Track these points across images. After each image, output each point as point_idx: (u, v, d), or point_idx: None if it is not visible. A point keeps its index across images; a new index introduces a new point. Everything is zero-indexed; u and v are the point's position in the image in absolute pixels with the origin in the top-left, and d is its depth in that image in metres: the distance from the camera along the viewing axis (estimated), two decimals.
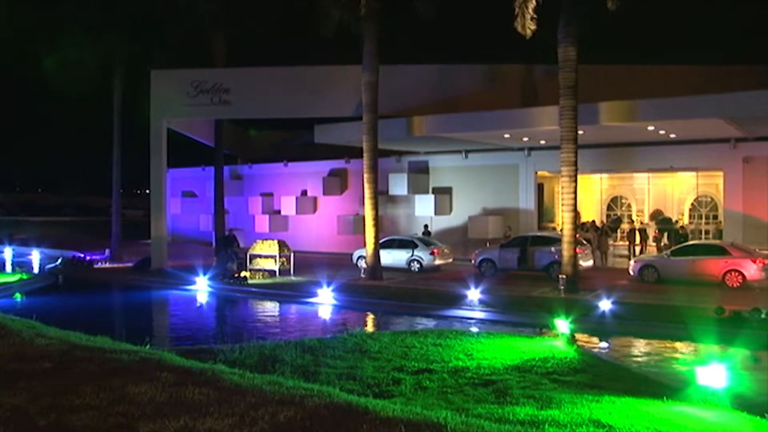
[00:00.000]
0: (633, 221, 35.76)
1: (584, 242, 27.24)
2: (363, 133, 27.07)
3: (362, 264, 28.03)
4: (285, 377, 9.87)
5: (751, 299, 20.05)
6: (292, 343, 14.12)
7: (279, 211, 40.83)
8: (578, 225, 27.50)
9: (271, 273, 28.35)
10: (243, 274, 27.76)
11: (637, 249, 31.88)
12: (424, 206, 35.64)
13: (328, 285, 23.07)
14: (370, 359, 12.57)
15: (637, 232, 32.34)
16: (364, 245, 27.64)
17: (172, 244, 35.13)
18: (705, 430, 8.66)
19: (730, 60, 30.30)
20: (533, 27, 21.46)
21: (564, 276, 22.67)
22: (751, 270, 23.19)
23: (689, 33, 35.31)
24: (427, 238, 31.31)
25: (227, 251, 28.76)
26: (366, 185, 27.17)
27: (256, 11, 32.75)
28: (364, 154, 27.14)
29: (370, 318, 21.30)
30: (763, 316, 17.22)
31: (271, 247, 29.10)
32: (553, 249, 25.59)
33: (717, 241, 27.70)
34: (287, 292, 24.84)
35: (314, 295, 23.21)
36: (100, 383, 7.79)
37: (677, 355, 15.85)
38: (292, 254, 29.20)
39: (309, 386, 8.23)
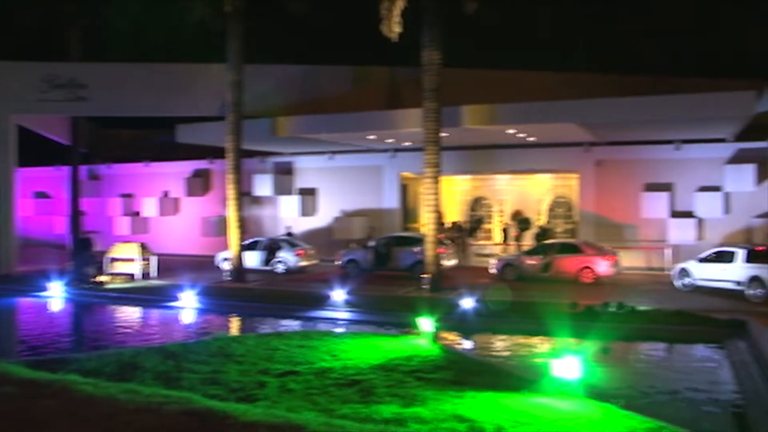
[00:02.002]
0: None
1: (447, 242, 27.84)
2: (226, 134, 26.58)
3: (226, 266, 27.54)
4: (145, 385, 9.53)
5: (602, 294, 21.18)
6: (154, 349, 13.70)
7: (139, 213, 39.42)
8: (443, 226, 28.13)
9: (132, 277, 27.30)
10: (101, 278, 26.57)
11: (500, 248, 33.16)
12: (288, 207, 35.36)
13: (192, 288, 22.45)
14: (235, 363, 12.33)
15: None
16: (228, 247, 27.14)
17: (24, 247, 33.11)
18: (560, 419, 9.05)
19: (586, 67, 31.73)
20: (399, 30, 21.72)
21: (427, 275, 23.11)
22: (602, 266, 24.57)
23: (550, 41, 36.64)
24: (292, 240, 31.06)
25: (84, 255, 27.48)
26: (229, 186, 26.69)
27: (116, 3, 31.33)
28: (228, 155, 26.66)
29: (234, 321, 20.95)
30: (612, 309, 18.31)
31: (131, 250, 28.03)
32: (416, 249, 25.94)
33: (571, 240, 29.03)
34: (148, 297, 23.99)
35: (177, 298, 22.51)
36: None
37: (535, 349, 16.52)
38: (153, 257, 28.22)
39: (168, 393, 7.96)
